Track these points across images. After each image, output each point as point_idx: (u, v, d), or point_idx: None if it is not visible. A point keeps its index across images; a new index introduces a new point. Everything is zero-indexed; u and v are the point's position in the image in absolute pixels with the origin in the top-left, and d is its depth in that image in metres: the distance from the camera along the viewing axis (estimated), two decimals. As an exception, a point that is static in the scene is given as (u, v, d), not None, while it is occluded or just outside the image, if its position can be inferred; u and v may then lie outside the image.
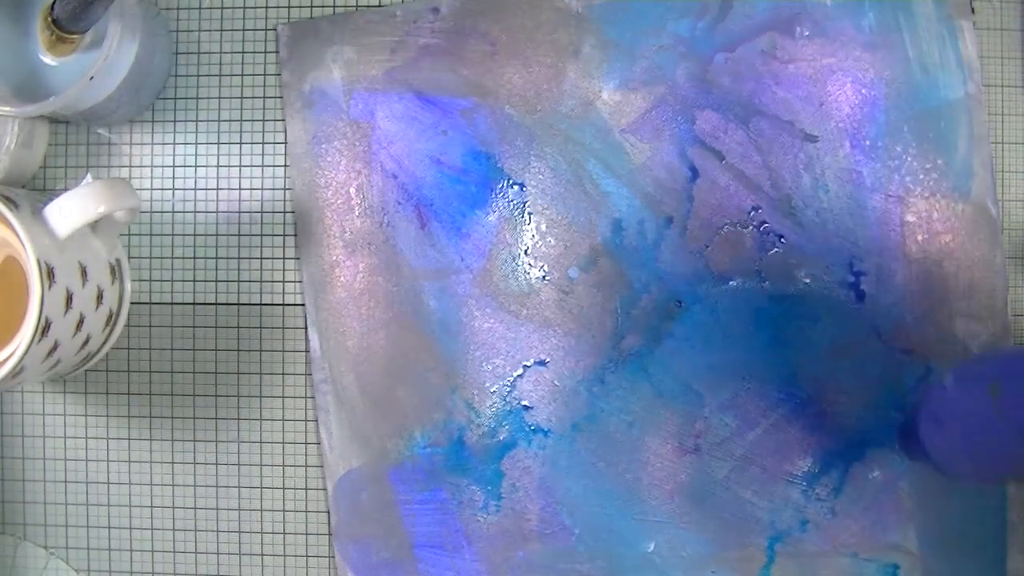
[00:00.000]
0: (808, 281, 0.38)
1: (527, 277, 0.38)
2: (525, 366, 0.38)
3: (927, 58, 0.38)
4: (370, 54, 0.38)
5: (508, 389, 0.38)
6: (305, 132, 0.39)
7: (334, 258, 0.39)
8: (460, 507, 0.38)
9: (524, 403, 0.38)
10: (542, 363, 0.38)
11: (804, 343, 0.38)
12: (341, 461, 0.39)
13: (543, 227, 0.38)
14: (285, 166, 0.39)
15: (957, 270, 0.38)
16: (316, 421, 0.39)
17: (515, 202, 0.38)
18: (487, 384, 0.38)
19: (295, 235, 0.39)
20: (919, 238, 0.38)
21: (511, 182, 0.38)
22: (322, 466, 0.39)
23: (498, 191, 0.38)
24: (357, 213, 0.39)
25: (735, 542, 0.38)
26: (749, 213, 0.38)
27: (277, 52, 0.39)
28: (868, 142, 0.38)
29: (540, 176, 0.38)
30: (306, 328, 0.39)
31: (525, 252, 0.38)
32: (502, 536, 0.38)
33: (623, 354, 0.38)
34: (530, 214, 0.38)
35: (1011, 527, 0.38)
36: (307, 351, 0.39)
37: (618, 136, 0.38)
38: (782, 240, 0.38)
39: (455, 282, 0.38)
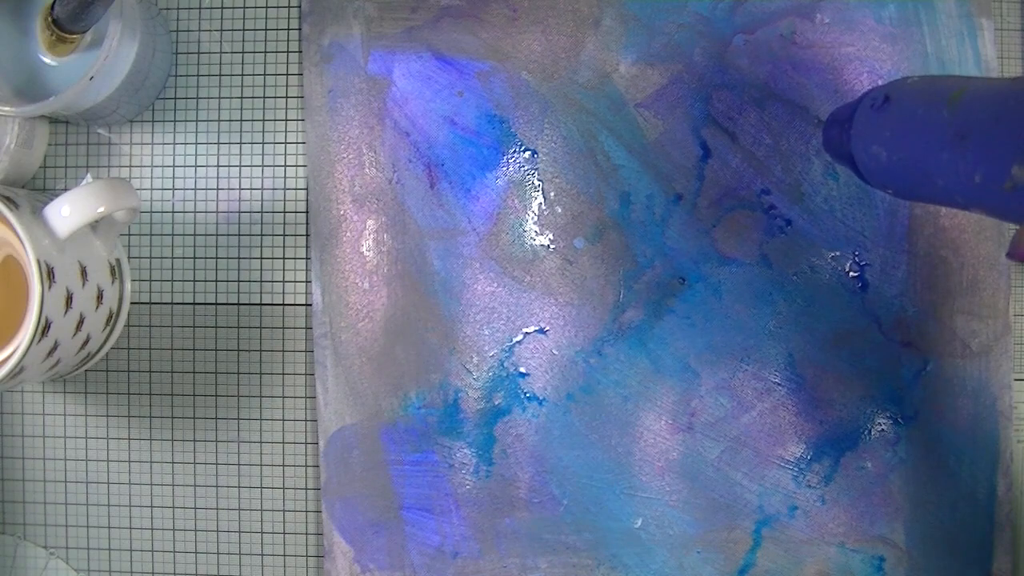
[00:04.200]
0: (812, 267, 0.38)
1: (532, 244, 0.38)
2: (525, 332, 0.38)
3: (945, 53, 0.38)
4: (391, 12, 0.38)
5: (506, 355, 0.38)
6: (322, 86, 0.39)
7: (342, 212, 0.39)
8: (450, 470, 0.38)
9: (521, 370, 0.38)
10: (542, 331, 0.38)
11: (804, 329, 0.38)
12: (335, 417, 0.39)
13: (552, 195, 0.38)
14: (285, 166, 0.39)
15: (961, 267, 0.38)
16: (315, 391, 0.39)
17: (526, 168, 0.38)
18: (485, 348, 0.38)
19: (295, 235, 0.39)
20: (925, 232, 0.38)
21: (523, 148, 0.38)
22: (316, 420, 0.39)
23: (509, 156, 0.38)
24: (367, 169, 0.39)
25: (722, 524, 0.38)
26: (758, 196, 0.38)
27: (299, 6, 0.39)
28: (881, 133, 0.38)
29: (552, 144, 0.38)
30: (309, 281, 0.39)
31: (532, 219, 0.38)
32: (491, 502, 0.38)
33: (623, 327, 0.38)
34: (540, 181, 0.38)
35: (998, 527, 0.38)
36: (309, 304, 0.39)
37: (632, 110, 0.38)
38: (789, 225, 0.38)
39: (460, 243, 0.38)
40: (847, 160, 0.31)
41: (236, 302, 0.39)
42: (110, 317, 0.37)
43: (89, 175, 0.40)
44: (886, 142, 0.28)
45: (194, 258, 0.39)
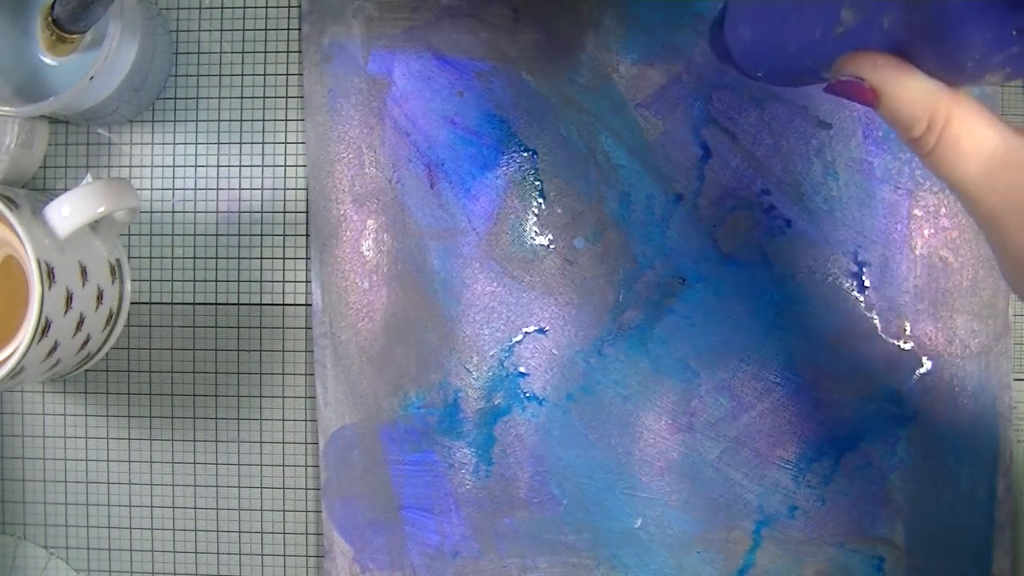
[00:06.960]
0: (812, 268, 0.38)
1: (532, 243, 0.38)
2: (525, 332, 0.38)
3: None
4: (392, 12, 0.38)
5: (506, 354, 0.38)
6: (322, 86, 0.39)
7: (342, 212, 0.39)
8: (450, 470, 0.38)
9: (521, 369, 0.38)
10: (542, 331, 0.38)
11: (804, 329, 0.38)
12: (335, 417, 0.39)
13: (552, 195, 0.38)
14: (285, 166, 0.39)
15: (961, 267, 0.38)
16: (314, 392, 0.39)
17: (526, 168, 0.38)
18: (485, 348, 0.38)
19: (295, 235, 0.39)
20: (925, 232, 0.38)
21: (523, 148, 0.38)
22: (315, 420, 0.39)
23: (510, 156, 0.38)
24: (367, 169, 0.39)
25: (722, 524, 0.38)
26: (758, 196, 0.38)
27: (299, 6, 0.39)
28: (880, 133, 0.38)
29: (552, 144, 0.38)
30: (309, 281, 0.39)
31: (532, 219, 0.38)
32: (490, 502, 0.38)
33: (623, 327, 0.38)
34: (540, 181, 0.38)
35: (998, 528, 0.38)
36: (309, 304, 0.39)
37: (632, 110, 0.38)
38: (789, 225, 0.38)
39: (460, 243, 0.38)
40: (726, 56, 0.31)
41: (236, 302, 0.39)
42: (110, 317, 0.37)
43: (89, 175, 0.40)
44: (749, 20, 0.29)
45: (194, 258, 0.39)
